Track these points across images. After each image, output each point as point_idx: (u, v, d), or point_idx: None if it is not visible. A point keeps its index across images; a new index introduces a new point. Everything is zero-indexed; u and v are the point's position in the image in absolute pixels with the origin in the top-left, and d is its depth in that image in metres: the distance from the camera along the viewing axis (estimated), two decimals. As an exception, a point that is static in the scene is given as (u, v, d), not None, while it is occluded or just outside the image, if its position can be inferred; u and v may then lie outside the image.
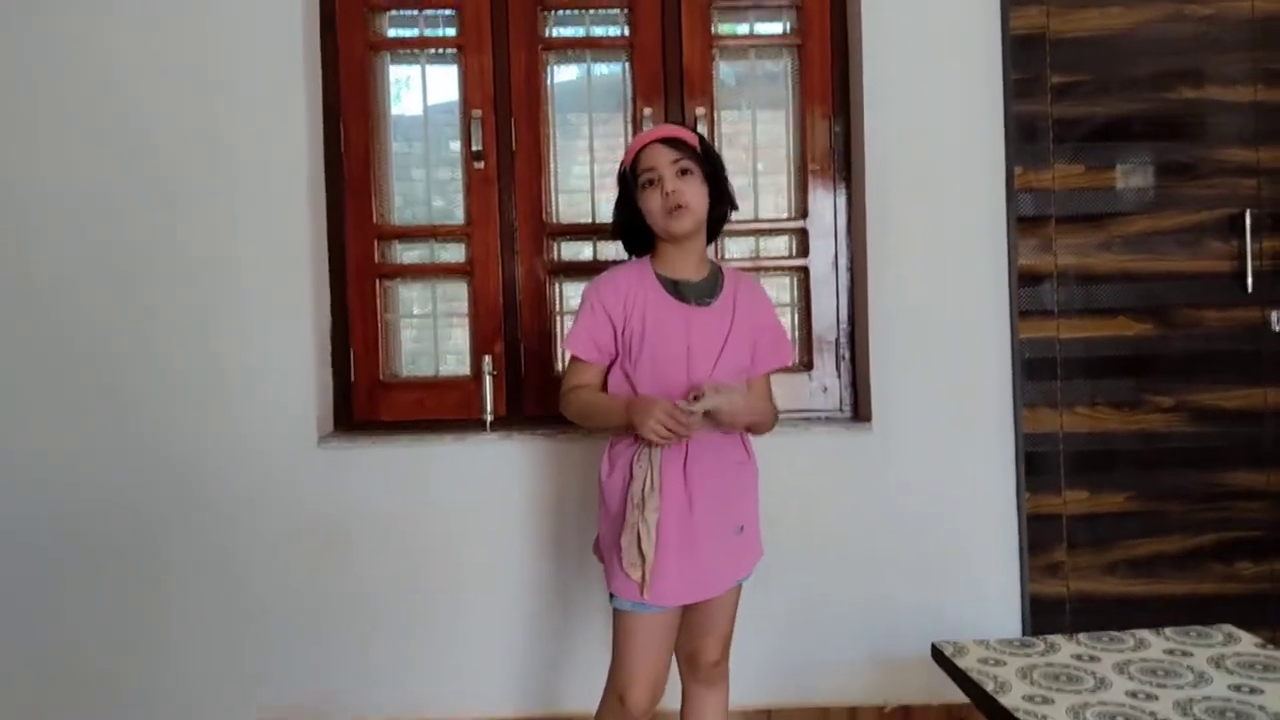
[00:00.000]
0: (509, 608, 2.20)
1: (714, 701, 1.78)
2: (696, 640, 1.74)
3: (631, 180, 1.67)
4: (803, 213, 2.38)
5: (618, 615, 1.65)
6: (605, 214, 2.38)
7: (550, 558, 2.20)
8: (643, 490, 1.59)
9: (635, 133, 2.35)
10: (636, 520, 1.58)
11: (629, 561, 1.58)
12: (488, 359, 2.29)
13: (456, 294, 2.45)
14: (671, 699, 1.82)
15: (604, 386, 1.71)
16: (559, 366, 2.38)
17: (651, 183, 1.63)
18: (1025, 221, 2.23)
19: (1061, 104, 2.24)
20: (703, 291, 1.69)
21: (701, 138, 1.69)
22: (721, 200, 1.70)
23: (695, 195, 1.63)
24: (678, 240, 1.66)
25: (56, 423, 2.15)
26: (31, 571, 2.16)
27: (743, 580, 1.75)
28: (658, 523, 1.58)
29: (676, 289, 1.68)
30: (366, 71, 2.33)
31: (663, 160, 1.62)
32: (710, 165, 1.67)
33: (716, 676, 1.78)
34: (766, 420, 1.74)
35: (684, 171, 1.63)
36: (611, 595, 1.65)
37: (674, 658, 1.74)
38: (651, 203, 1.63)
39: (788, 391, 2.35)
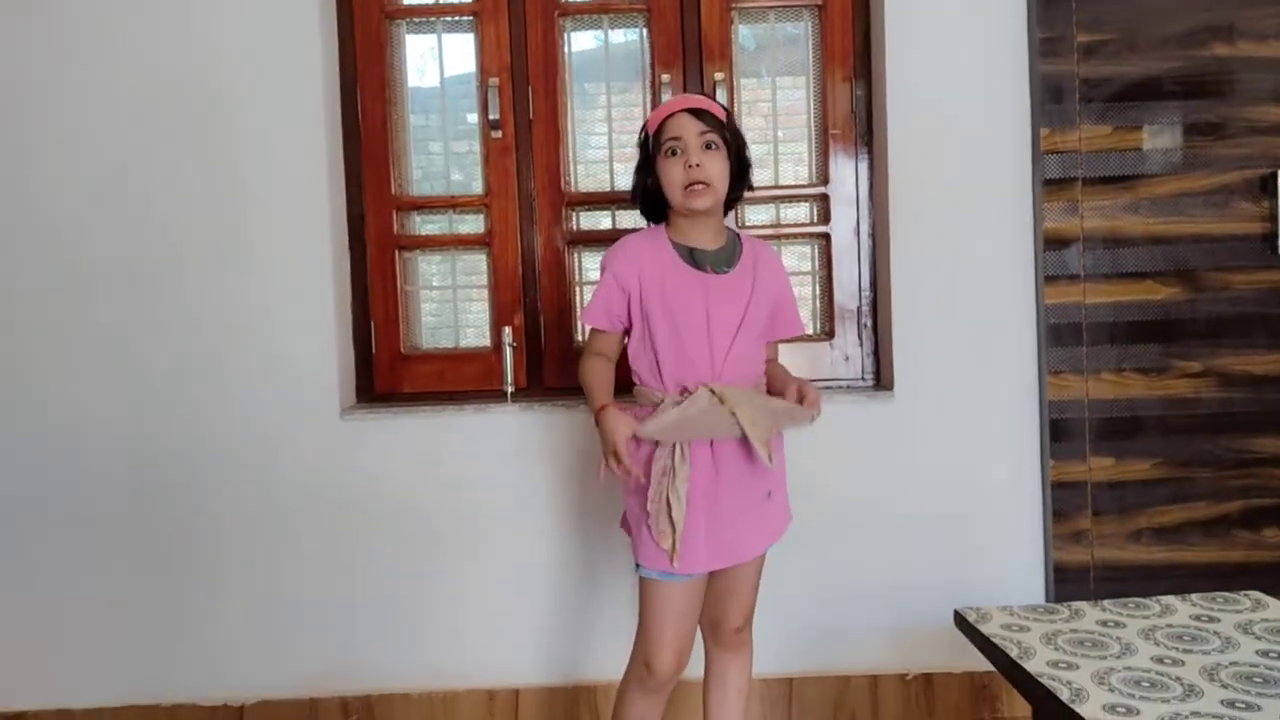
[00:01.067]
0: (532, 578, 2.22)
1: (737, 668, 1.80)
2: (720, 607, 1.75)
3: (654, 146, 1.64)
4: (824, 179, 2.35)
5: (645, 584, 1.66)
6: (623, 184, 2.36)
7: (573, 528, 2.21)
8: (673, 459, 1.58)
9: (654, 101, 2.32)
10: (666, 489, 1.58)
11: (659, 530, 1.58)
12: (508, 330, 2.29)
13: (476, 266, 2.45)
14: (695, 667, 1.82)
15: (623, 353, 1.72)
16: (579, 337, 2.37)
17: (674, 152, 1.60)
18: (1051, 184, 2.19)
19: (1088, 63, 2.19)
20: (719, 259, 1.67)
21: (728, 112, 1.67)
22: (741, 179, 1.68)
23: (718, 171, 1.61)
24: (693, 215, 1.64)
25: (78, 397, 2.18)
26: (53, 541, 2.20)
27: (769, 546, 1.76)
28: (687, 491, 1.59)
29: (692, 257, 1.66)
30: (383, 40, 2.31)
31: (689, 130, 1.59)
32: (736, 142, 1.65)
33: (740, 643, 1.79)
34: None
35: (709, 145, 1.60)
36: (638, 564, 1.65)
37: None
38: (673, 172, 1.60)
39: (809, 360, 2.34)
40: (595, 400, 1.63)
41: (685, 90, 2.30)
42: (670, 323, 1.62)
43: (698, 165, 1.58)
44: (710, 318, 1.62)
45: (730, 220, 2.31)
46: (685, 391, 1.60)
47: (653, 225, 1.74)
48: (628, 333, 1.71)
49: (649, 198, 1.70)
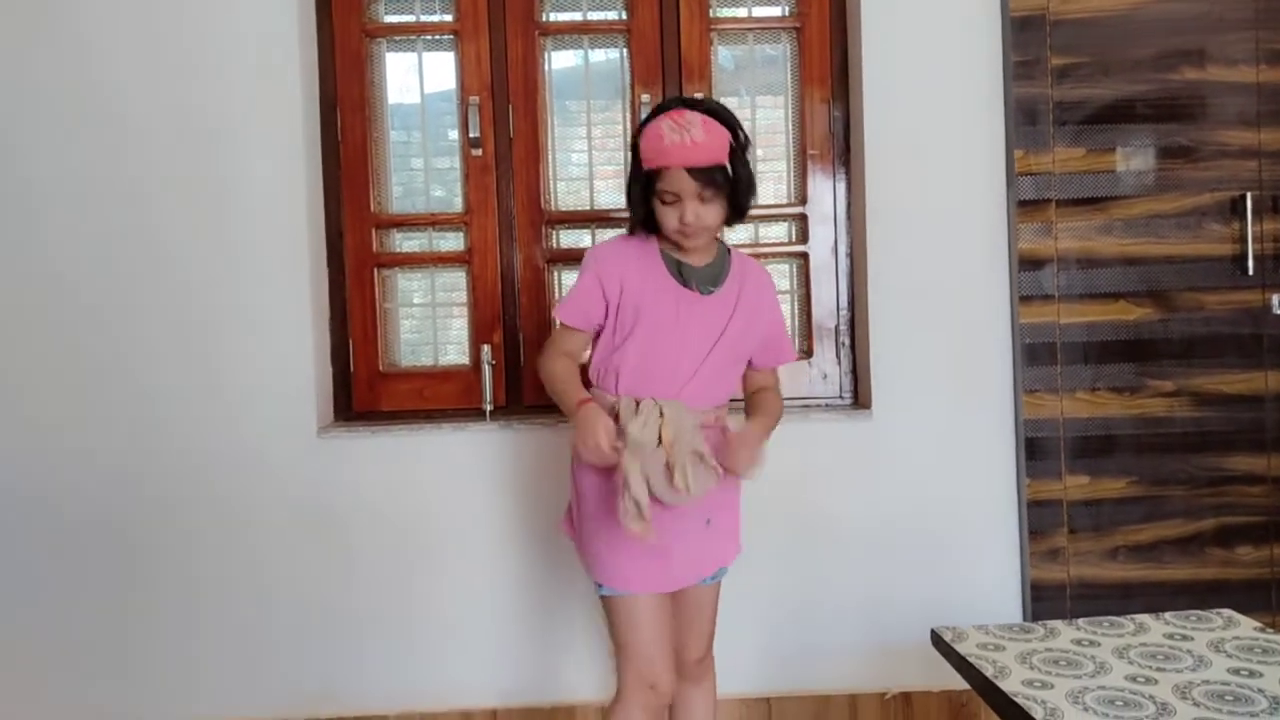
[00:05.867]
0: (510, 597, 2.21)
1: (701, 696, 1.77)
2: (680, 637, 1.72)
3: (648, 177, 1.55)
4: (802, 198, 2.37)
5: (614, 604, 1.61)
6: (604, 202, 2.39)
7: (552, 546, 2.20)
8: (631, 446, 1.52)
9: (633, 120, 2.33)
10: (629, 469, 1.50)
11: (627, 511, 1.50)
12: (487, 348, 2.29)
13: (455, 283, 2.44)
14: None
15: (591, 349, 1.68)
16: (558, 355, 2.37)
17: (670, 203, 1.54)
18: (1026, 205, 2.22)
19: (1062, 86, 2.22)
20: (706, 278, 1.63)
21: (733, 131, 1.55)
22: (740, 213, 1.61)
23: (714, 220, 1.56)
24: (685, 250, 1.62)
25: (56, 416, 2.15)
26: (28, 557, 2.17)
27: (715, 577, 1.73)
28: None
29: (680, 271, 1.62)
30: (363, 58, 2.32)
31: (687, 189, 1.51)
32: (736, 180, 1.55)
33: (702, 672, 1.77)
34: (776, 419, 1.71)
35: (705, 198, 1.53)
36: (600, 585, 1.62)
37: None
38: (669, 219, 1.55)
39: (788, 379, 2.34)
40: (571, 395, 1.58)
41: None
42: (645, 334, 1.59)
43: (695, 219, 1.53)
44: (686, 335, 1.59)
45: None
46: (636, 403, 1.56)
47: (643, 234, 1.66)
48: (596, 336, 1.67)
49: (640, 210, 1.61)
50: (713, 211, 1.55)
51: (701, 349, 1.61)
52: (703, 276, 1.63)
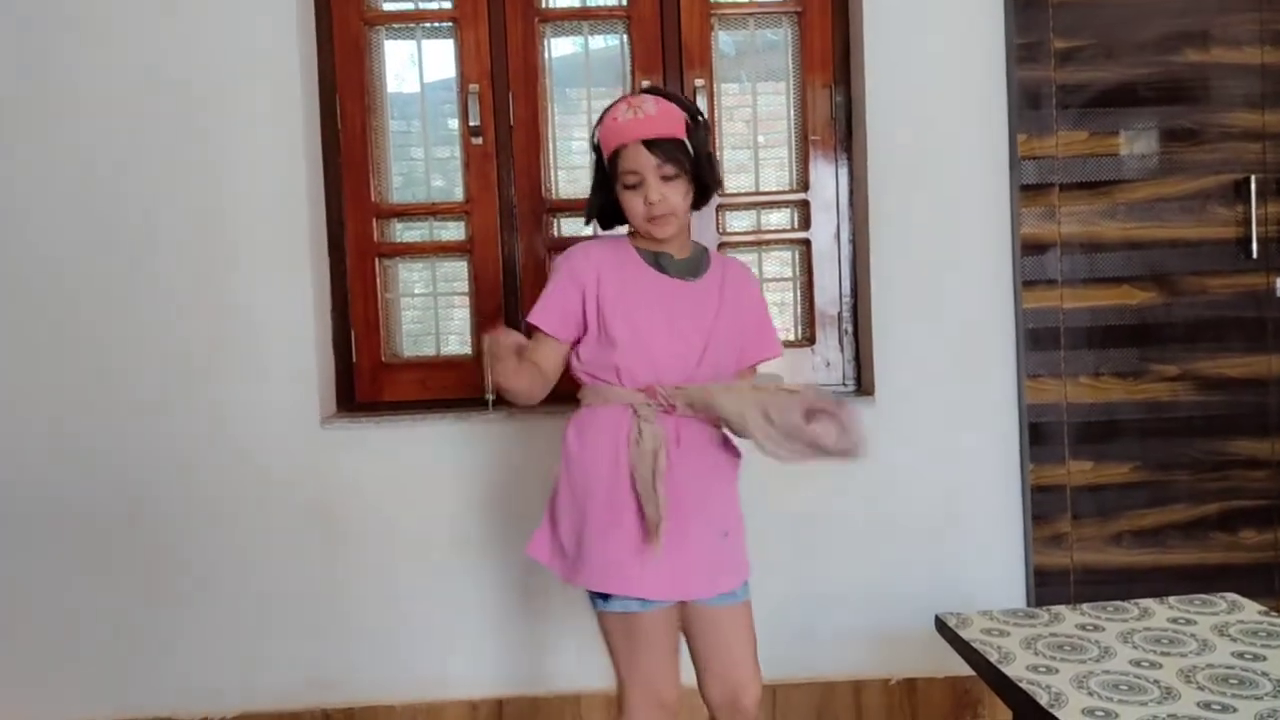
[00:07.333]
0: (514, 587, 2.21)
1: None
2: (733, 672, 1.61)
3: (609, 167, 1.57)
4: (804, 185, 2.36)
5: (617, 621, 1.53)
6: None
7: (555, 534, 2.20)
8: (653, 466, 1.48)
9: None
10: (650, 485, 1.47)
11: (654, 516, 1.46)
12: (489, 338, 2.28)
13: (457, 273, 2.44)
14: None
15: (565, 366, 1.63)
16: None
17: (633, 185, 1.53)
18: (1028, 190, 2.21)
19: (1065, 69, 2.21)
20: (685, 269, 1.61)
21: (689, 113, 1.56)
22: (705, 192, 1.60)
23: (680, 201, 1.54)
24: (660, 241, 1.59)
25: (57, 405, 2.15)
26: (31, 551, 2.17)
27: (736, 596, 1.63)
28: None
29: (658, 262, 1.59)
30: (362, 47, 2.30)
31: (646, 165, 1.51)
32: (696, 159, 1.55)
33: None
34: None
35: (667, 176, 1.52)
36: (606, 597, 1.52)
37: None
38: (634, 205, 1.54)
39: (790, 367, 2.34)
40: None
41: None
42: (630, 326, 1.54)
43: (659, 200, 1.52)
44: (676, 323, 1.56)
45: (711, 228, 2.33)
46: (652, 391, 1.52)
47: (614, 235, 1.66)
48: (573, 347, 1.61)
49: (608, 210, 1.63)
50: (676, 192, 1.53)
51: (698, 336, 1.57)
52: (680, 267, 1.61)
